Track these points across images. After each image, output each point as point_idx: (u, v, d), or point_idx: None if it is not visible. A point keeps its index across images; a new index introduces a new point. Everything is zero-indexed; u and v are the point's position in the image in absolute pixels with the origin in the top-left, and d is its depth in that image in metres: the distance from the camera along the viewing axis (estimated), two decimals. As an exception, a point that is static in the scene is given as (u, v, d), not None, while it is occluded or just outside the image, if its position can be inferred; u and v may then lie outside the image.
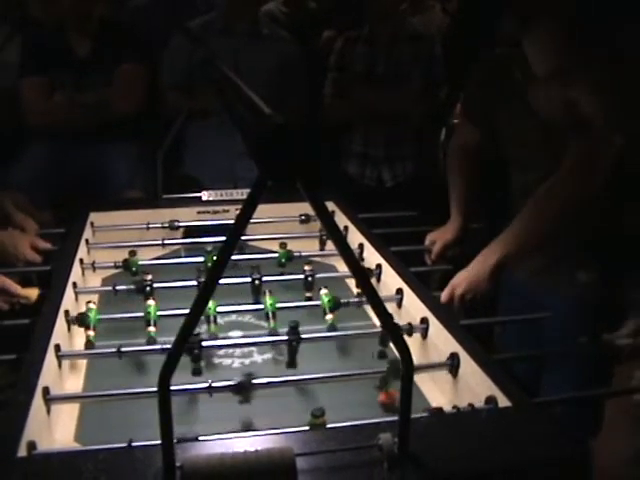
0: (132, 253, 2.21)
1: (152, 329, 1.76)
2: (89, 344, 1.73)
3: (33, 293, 1.93)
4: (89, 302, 1.84)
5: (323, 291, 1.92)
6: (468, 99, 2.41)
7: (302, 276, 2.07)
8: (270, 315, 1.82)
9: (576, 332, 1.97)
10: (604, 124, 1.75)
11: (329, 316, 1.83)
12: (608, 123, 1.75)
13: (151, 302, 1.84)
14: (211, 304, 1.80)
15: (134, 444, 1.26)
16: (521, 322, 2.19)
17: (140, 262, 2.19)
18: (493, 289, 1.98)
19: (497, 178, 2.33)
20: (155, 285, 1.97)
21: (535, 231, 1.91)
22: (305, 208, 2.47)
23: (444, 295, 1.93)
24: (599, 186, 1.84)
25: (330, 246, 2.32)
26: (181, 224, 2.48)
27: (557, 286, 2.08)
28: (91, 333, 1.75)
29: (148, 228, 2.44)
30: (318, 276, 2.07)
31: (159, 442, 1.22)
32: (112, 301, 2.00)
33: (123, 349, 1.62)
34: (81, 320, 1.77)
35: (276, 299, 1.87)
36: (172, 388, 1.01)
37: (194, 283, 1.98)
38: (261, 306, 1.88)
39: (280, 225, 2.48)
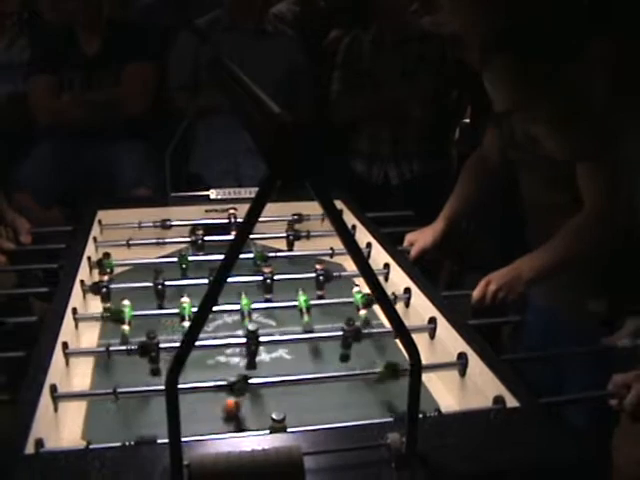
0: (106, 255, 2.20)
1: (126, 328, 1.77)
2: (124, 338, 1.74)
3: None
4: (123, 299, 1.85)
5: (355, 289, 1.94)
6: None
7: (314, 275, 2.06)
8: (304, 310, 1.84)
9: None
10: (568, 158, 1.79)
11: (362, 312, 1.85)
12: (571, 157, 1.79)
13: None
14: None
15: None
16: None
17: (114, 263, 2.17)
18: (520, 299, 1.98)
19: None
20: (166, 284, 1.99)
21: (572, 260, 1.91)
22: (297, 207, 2.47)
23: (478, 290, 1.92)
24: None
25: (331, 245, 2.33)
26: (183, 223, 2.47)
27: (572, 314, 2.07)
28: (126, 327, 1.76)
29: (156, 226, 2.44)
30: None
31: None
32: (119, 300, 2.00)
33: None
34: (116, 316, 1.80)
35: (308, 297, 1.88)
36: (180, 387, 1.00)
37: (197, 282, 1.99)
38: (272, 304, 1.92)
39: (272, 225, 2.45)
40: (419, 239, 2.30)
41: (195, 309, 1.77)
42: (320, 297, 2.02)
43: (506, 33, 1.82)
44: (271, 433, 1.32)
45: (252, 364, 1.64)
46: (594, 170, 1.84)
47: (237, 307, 1.86)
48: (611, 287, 2.02)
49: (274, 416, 1.35)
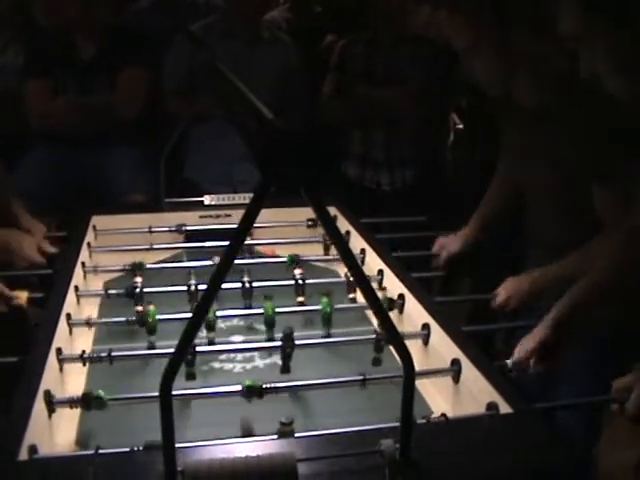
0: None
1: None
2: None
3: (22, 295, 1.93)
4: (149, 303, 1.85)
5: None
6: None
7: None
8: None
9: (590, 383, 1.94)
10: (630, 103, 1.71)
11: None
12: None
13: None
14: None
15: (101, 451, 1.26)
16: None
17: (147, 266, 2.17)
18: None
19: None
20: (147, 290, 1.96)
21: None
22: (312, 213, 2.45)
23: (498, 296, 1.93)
24: None
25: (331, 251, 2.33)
26: (184, 228, 2.48)
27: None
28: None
29: (150, 232, 2.43)
30: (315, 281, 2.08)
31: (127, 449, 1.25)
32: (113, 305, 2.00)
33: (119, 353, 1.63)
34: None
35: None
36: (174, 392, 1.01)
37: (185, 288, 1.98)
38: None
39: (286, 229, 2.46)
40: (448, 246, 2.28)
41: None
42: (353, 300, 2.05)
43: None
44: (279, 437, 1.32)
45: (286, 367, 1.64)
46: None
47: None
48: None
49: (282, 419, 1.36)
